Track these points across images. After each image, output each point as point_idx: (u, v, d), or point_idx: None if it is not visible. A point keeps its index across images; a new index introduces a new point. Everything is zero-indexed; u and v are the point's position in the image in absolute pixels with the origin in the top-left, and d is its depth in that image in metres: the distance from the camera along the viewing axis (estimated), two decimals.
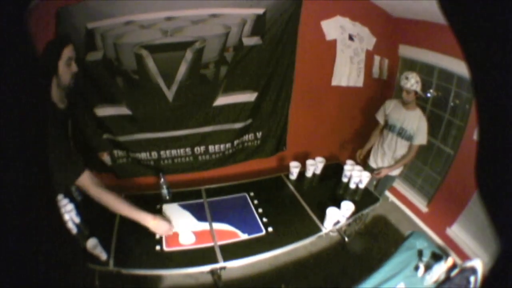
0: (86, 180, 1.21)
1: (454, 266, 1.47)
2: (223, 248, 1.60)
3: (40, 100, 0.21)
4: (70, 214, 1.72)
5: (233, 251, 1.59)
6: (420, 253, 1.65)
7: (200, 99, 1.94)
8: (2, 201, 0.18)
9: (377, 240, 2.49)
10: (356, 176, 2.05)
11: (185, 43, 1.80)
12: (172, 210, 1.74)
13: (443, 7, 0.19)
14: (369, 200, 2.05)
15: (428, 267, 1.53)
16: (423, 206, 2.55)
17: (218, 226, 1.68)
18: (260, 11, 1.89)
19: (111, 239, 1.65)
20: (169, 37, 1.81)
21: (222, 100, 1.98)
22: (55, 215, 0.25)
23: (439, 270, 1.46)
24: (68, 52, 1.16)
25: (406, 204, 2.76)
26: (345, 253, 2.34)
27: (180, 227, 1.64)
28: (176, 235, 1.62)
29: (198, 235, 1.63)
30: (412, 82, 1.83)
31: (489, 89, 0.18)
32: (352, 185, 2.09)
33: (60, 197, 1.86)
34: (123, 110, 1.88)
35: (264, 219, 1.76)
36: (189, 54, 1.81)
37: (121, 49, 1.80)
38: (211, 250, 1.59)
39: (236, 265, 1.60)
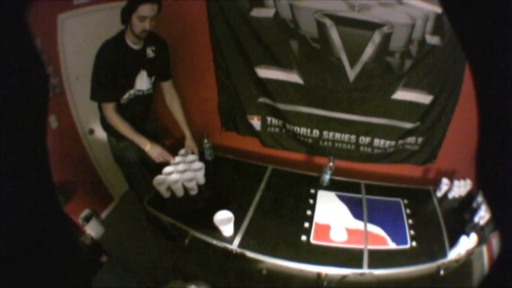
0: (110, 109, 1.45)
1: None
2: (371, 253, 1.46)
3: (40, 101, 0.20)
4: (196, 173, 1.55)
5: (378, 258, 1.46)
6: None
7: (381, 86, 1.78)
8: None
9: (459, 283, 2.41)
10: (483, 210, 1.96)
11: (373, 23, 1.63)
12: (329, 199, 1.59)
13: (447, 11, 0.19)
14: (481, 240, 1.95)
15: None
16: None
17: (372, 228, 1.54)
18: (439, 10, 1.76)
19: (245, 214, 1.49)
20: (356, 13, 1.64)
21: (400, 95, 1.82)
22: (56, 214, 0.24)
23: None
24: (144, 10, 1.28)
25: (489, 252, 2.65)
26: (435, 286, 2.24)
27: (334, 220, 1.49)
28: (328, 228, 1.47)
29: (351, 233, 1.48)
30: None
31: (491, 88, 0.18)
32: (476, 219, 1.99)
33: (183, 151, 1.69)
34: (293, 77, 1.71)
35: (412, 232, 1.64)
36: (377, 36, 1.64)
37: (298, 12, 1.63)
38: (359, 252, 1.46)
39: (376, 273, 1.47)
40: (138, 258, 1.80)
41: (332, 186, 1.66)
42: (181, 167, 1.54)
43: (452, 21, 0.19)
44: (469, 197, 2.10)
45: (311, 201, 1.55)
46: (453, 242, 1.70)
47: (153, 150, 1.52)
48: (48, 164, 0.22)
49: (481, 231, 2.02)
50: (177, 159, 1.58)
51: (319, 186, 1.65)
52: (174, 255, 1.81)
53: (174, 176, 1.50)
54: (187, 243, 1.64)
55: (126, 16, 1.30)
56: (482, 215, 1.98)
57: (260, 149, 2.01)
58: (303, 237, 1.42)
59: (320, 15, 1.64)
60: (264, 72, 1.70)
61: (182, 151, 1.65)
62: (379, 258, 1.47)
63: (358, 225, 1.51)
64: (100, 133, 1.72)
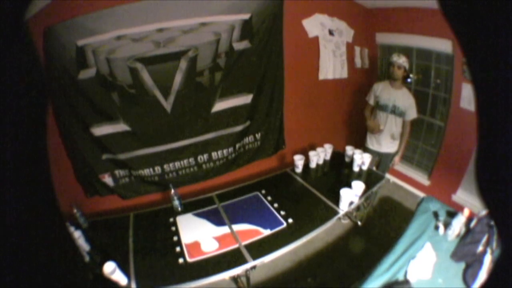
0: None
1: (471, 217, 1.53)
2: (249, 247, 1.58)
3: (41, 106, 0.20)
4: (78, 242, 1.63)
5: (259, 248, 1.58)
6: (435, 214, 1.71)
7: (198, 107, 1.94)
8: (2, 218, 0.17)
9: (387, 219, 2.56)
10: (358, 159, 2.14)
11: (178, 52, 1.81)
12: (188, 220, 1.71)
13: (445, 10, 0.18)
14: (375, 179, 2.13)
15: (447, 225, 1.58)
16: (424, 180, 2.64)
17: (238, 227, 1.66)
18: (246, 16, 1.96)
19: (128, 261, 1.57)
20: (162, 48, 1.81)
21: (219, 106, 1.99)
22: (62, 233, 0.24)
23: (459, 224, 1.52)
24: None
25: (408, 181, 2.85)
26: (361, 236, 2.38)
27: (200, 235, 1.61)
28: (198, 244, 1.58)
29: (220, 239, 1.60)
30: (403, 59, 1.99)
31: (491, 87, 0.17)
32: (356, 168, 2.17)
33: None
34: (121, 127, 1.83)
35: (282, 212, 1.77)
36: (183, 63, 1.82)
37: (114, 64, 1.77)
38: (237, 251, 1.57)
39: (266, 261, 1.57)
40: None
41: (189, 209, 1.79)
42: None
43: (453, 27, 0.18)
44: (337, 156, 2.29)
45: (173, 228, 1.66)
46: (336, 199, 1.83)
47: None
48: (48, 165, 0.21)
49: (370, 174, 2.21)
50: None
51: (175, 213, 1.78)
52: None
53: None
54: None
55: None
56: (359, 163, 2.17)
57: (125, 202, 2.06)
58: (180, 260, 1.51)
59: (132, 62, 1.79)
60: (98, 130, 1.80)
61: None
62: (260, 247, 1.58)
63: (224, 230, 1.63)
64: None
